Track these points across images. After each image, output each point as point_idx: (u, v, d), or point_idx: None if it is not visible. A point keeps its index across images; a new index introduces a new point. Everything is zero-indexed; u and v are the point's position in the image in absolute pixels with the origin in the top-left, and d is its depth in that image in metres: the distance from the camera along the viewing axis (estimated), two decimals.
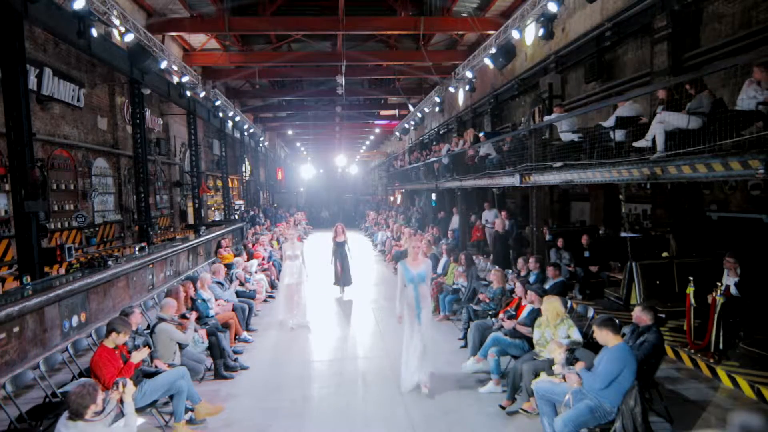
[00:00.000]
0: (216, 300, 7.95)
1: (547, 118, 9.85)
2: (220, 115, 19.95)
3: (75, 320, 6.93)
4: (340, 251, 10.98)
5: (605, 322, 4.32)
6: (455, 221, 15.99)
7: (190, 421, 5.02)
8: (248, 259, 12.30)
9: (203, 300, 7.45)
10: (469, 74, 14.70)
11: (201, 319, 7.10)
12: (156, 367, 5.24)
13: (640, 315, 4.94)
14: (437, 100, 19.07)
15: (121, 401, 3.88)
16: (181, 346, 5.76)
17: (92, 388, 3.52)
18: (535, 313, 5.76)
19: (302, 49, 18.90)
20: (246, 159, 28.29)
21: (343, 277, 10.95)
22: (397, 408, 5.43)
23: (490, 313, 7.19)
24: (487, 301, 7.46)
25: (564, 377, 4.43)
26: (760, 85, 5.38)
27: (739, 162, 4.87)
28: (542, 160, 9.19)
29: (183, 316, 6.31)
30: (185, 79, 14.35)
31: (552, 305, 5.33)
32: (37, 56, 10.57)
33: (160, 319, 5.80)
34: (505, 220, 12.42)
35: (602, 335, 4.26)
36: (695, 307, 6.13)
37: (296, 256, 8.88)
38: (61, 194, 11.69)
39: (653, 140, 6.26)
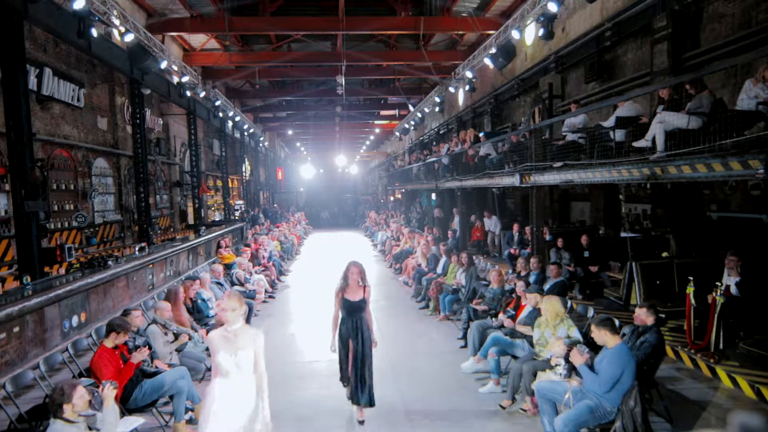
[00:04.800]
0: (216, 300, 7.97)
1: (557, 117, 9.81)
2: (220, 115, 19.94)
3: (75, 320, 6.93)
4: (353, 323, 5.16)
5: (603, 321, 4.32)
6: (455, 221, 16.04)
7: (190, 421, 5.02)
8: (251, 259, 12.34)
9: (203, 300, 7.47)
10: (469, 74, 14.70)
11: (201, 320, 7.11)
12: (156, 367, 5.24)
13: (641, 315, 4.94)
14: (437, 100, 19.06)
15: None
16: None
17: (69, 387, 3.53)
18: (535, 313, 5.76)
19: (302, 49, 18.88)
20: (246, 159, 28.30)
21: (358, 384, 5.06)
22: (397, 408, 5.42)
23: (490, 313, 7.19)
24: (484, 308, 7.41)
25: (566, 371, 4.43)
26: (766, 84, 5.37)
27: (739, 162, 4.86)
28: (542, 160, 9.19)
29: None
30: (185, 79, 14.35)
31: (552, 305, 5.33)
32: (37, 56, 10.57)
33: (153, 321, 5.81)
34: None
35: (600, 335, 4.26)
36: (695, 307, 6.13)
37: (241, 367, 3.65)
38: (61, 194, 11.68)
39: (653, 140, 6.26)
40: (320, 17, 15.55)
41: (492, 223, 13.72)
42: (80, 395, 3.53)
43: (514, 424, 5.00)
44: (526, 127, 10.82)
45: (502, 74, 15.08)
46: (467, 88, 15.62)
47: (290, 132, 38.05)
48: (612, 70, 10.84)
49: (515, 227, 12.02)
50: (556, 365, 4.62)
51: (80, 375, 5.06)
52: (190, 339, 6.10)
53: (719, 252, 7.04)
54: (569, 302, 6.84)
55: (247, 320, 8.24)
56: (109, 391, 3.82)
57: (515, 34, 11.45)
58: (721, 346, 5.83)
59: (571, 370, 4.48)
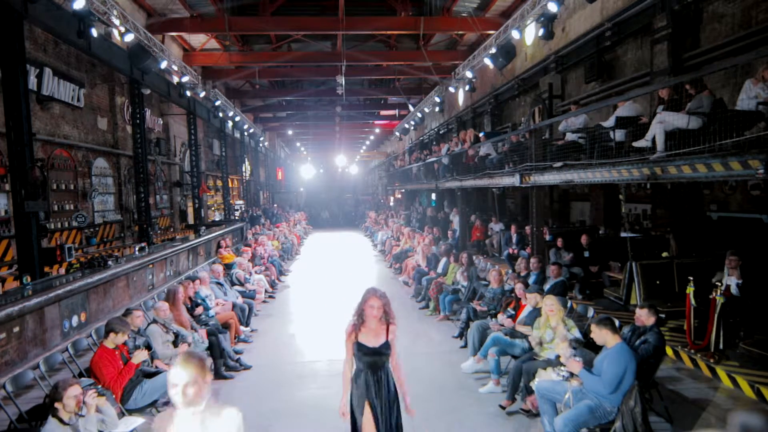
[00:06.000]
0: (216, 298, 7.99)
1: (557, 117, 9.81)
2: (220, 115, 19.94)
3: (75, 320, 6.93)
4: (374, 378, 3.60)
5: (603, 321, 4.32)
6: (455, 221, 16.06)
7: None
8: (251, 259, 12.35)
9: (203, 299, 7.48)
10: (469, 74, 14.69)
11: (201, 319, 7.11)
12: (156, 367, 5.24)
13: (641, 317, 4.94)
14: (437, 100, 19.06)
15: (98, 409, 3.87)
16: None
17: (63, 385, 3.55)
18: (535, 313, 5.76)
19: (302, 49, 18.90)
20: (246, 159, 28.28)
21: None
22: None
23: (490, 313, 7.19)
24: (484, 309, 7.41)
25: (569, 372, 4.42)
26: (766, 84, 5.37)
27: (739, 162, 4.86)
28: (542, 160, 9.18)
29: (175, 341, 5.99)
30: (185, 79, 14.35)
31: (558, 304, 5.33)
32: (37, 56, 10.57)
33: (153, 320, 5.82)
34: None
35: (600, 334, 4.26)
36: (695, 307, 6.13)
37: None
38: (61, 194, 11.68)
39: (653, 140, 6.25)
40: (320, 17, 15.57)
41: (497, 228, 13.77)
42: (71, 395, 3.51)
43: (514, 424, 5.00)
44: (526, 127, 10.81)
45: (502, 74, 15.08)
46: (467, 88, 15.63)
47: (290, 132, 38.07)
48: (612, 70, 10.84)
49: (513, 228, 12.02)
50: (563, 366, 4.60)
51: (80, 375, 5.05)
52: (189, 346, 6.10)
53: (719, 252, 7.04)
54: (569, 302, 6.84)
55: (247, 320, 8.32)
56: (91, 399, 3.77)
57: (515, 34, 11.45)
58: (721, 346, 5.83)
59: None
